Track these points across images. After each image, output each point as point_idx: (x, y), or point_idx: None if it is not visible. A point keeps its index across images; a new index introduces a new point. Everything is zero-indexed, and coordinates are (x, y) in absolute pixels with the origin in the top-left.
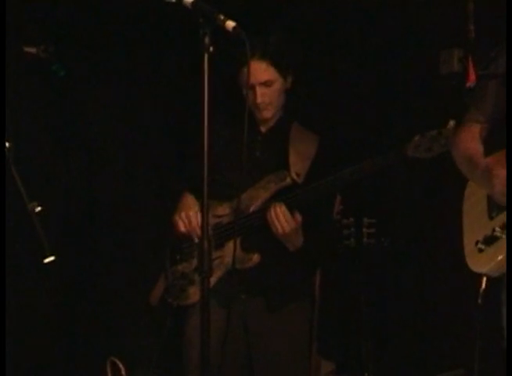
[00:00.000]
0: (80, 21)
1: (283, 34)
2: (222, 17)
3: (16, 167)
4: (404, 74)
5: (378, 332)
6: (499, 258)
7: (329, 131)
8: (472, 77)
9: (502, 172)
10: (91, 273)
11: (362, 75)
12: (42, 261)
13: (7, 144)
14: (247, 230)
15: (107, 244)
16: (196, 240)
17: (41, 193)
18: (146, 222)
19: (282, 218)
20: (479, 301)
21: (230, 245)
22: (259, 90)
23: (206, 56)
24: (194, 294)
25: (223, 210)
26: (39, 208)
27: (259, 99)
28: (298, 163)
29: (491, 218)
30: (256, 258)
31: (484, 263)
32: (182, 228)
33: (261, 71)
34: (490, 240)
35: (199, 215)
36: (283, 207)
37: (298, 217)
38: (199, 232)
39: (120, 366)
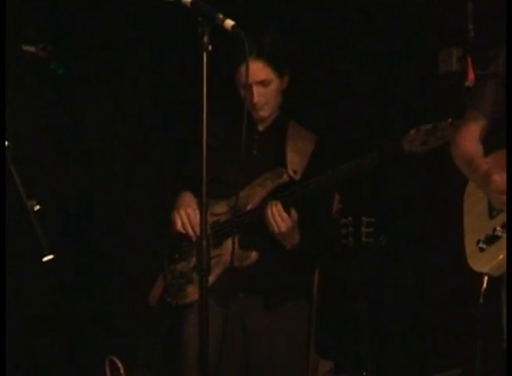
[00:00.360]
0: (78, 20)
1: (280, 33)
2: (221, 16)
3: (15, 166)
4: (403, 73)
5: (376, 331)
6: (501, 257)
7: (328, 129)
8: (471, 76)
9: (499, 177)
10: (90, 272)
11: (360, 74)
12: (41, 260)
13: (6, 143)
14: (245, 228)
15: (106, 244)
16: (195, 239)
17: (40, 192)
18: (146, 222)
19: (277, 217)
20: (480, 300)
21: (228, 243)
22: (256, 90)
23: (205, 55)
24: (193, 292)
25: (220, 208)
26: (38, 207)
27: (256, 99)
28: (295, 160)
29: (491, 217)
30: (254, 255)
31: (486, 262)
32: (180, 225)
33: (257, 71)
34: (491, 240)
35: (197, 213)
36: (279, 206)
37: (294, 214)
38: (198, 230)
39: (119, 364)
